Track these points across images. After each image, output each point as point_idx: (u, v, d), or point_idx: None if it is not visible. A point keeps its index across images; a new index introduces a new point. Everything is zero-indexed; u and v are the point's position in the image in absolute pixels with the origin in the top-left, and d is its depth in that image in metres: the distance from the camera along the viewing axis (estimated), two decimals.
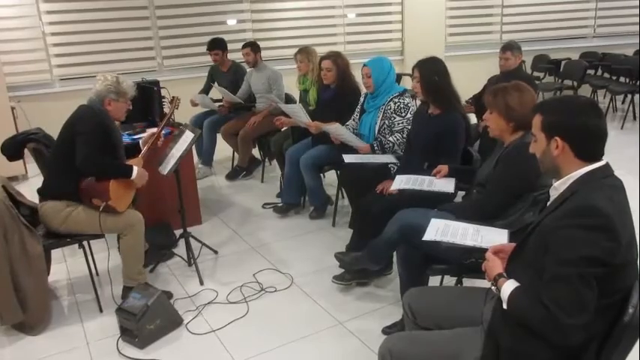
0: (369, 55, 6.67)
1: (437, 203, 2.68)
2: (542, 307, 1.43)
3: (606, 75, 7.55)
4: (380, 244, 2.61)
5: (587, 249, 1.40)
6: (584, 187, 1.51)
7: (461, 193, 2.87)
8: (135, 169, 2.94)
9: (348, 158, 3.25)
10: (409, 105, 3.45)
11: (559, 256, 1.44)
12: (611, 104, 7.19)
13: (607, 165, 1.56)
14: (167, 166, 3.13)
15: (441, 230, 2.07)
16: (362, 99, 3.73)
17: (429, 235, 2.04)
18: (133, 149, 3.32)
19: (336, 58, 4.00)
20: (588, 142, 1.55)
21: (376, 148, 3.45)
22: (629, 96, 6.87)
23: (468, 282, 2.38)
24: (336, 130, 3.56)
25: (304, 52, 4.59)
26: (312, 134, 4.04)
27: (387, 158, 3.29)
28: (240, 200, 4.69)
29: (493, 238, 2.01)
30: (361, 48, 7.34)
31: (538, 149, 1.63)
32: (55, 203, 2.87)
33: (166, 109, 4.22)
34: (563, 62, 7.67)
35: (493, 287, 1.66)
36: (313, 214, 4.19)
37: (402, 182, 2.71)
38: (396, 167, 3.28)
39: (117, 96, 2.95)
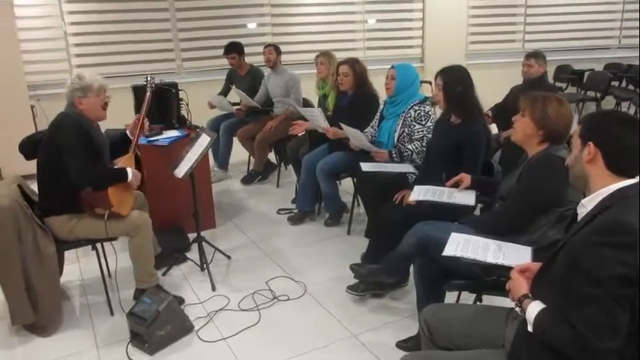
0: (389, 62, 6.58)
1: (456, 216, 2.61)
2: (571, 329, 1.36)
3: (630, 87, 7.39)
4: (397, 256, 2.55)
5: (618, 268, 1.33)
6: (615, 204, 1.44)
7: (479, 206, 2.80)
8: (129, 170, 2.89)
9: (365, 166, 3.18)
10: (429, 113, 3.38)
11: (588, 275, 1.37)
12: (635, 117, 7.01)
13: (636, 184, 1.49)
14: (183, 169, 3.09)
15: (461, 245, 2.00)
16: (381, 106, 3.67)
17: (449, 251, 1.96)
18: (124, 144, 3.14)
19: (353, 63, 3.94)
20: (622, 154, 1.50)
21: (395, 155, 3.39)
22: None
23: (487, 299, 2.29)
24: (355, 134, 3.50)
25: (326, 55, 4.56)
26: (329, 141, 3.98)
27: (405, 167, 3.22)
28: (255, 205, 4.65)
29: (516, 255, 1.94)
30: (381, 54, 7.29)
31: (572, 155, 1.62)
32: (57, 218, 2.82)
33: (184, 112, 4.22)
34: (586, 73, 7.52)
35: (517, 308, 1.59)
36: (329, 222, 4.13)
37: (420, 193, 2.63)
38: (414, 177, 3.21)
39: (83, 92, 2.79)
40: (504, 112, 4.09)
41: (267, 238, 3.96)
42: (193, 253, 3.54)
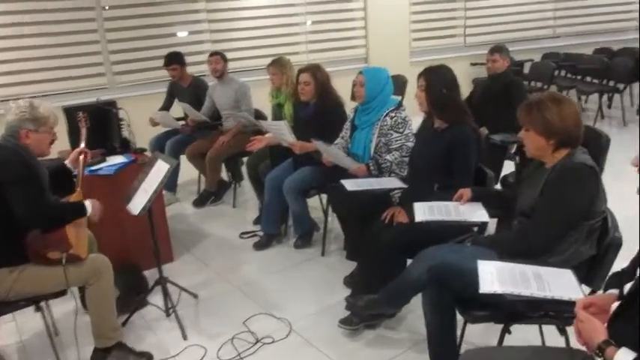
0: (333, 64, 6.41)
1: (460, 234, 2.35)
2: None
3: (569, 75, 7.51)
4: (402, 286, 2.24)
5: None
6: None
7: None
8: (87, 203, 2.46)
9: (349, 185, 2.85)
10: (407, 119, 3.11)
11: None
12: (580, 104, 7.13)
13: None
14: (138, 205, 2.65)
15: (495, 277, 1.72)
16: (352, 114, 3.36)
17: (487, 286, 1.68)
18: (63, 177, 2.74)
19: (315, 71, 3.61)
20: None
21: (372, 168, 3.09)
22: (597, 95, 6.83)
23: (516, 328, 2.02)
24: (331, 151, 3.18)
25: (277, 63, 4.18)
26: (293, 156, 3.64)
27: (393, 182, 2.92)
28: (214, 230, 4.23)
29: (561, 282, 1.70)
30: (325, 56, 6.99)
31: None
32: None
33: (125, 133, 3.73)
34: (525, 63, 7.59)
35: (598, 358, 1.32)
36: (298, 243, 3.78)
37: (424, 212, 2.33)
38: (399, 192, 2.92)
39: (35, 125, 2.37)
40: (470, 108, 3.93)
41: (233, 268, 3.56)
42: (154, 295, 3.10)
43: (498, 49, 4.22)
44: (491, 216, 2.31)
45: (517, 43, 7.84)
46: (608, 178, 2.17)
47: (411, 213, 2.50)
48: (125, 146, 3.64)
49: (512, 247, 2.01)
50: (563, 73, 7.62)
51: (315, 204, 4.02)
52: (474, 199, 2.38)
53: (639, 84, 6.82)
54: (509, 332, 1.98)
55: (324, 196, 3.79)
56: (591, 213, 1.91)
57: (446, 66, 2.71)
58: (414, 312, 2.68)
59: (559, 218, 1.91)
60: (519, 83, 4.25)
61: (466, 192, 2.38)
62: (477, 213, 2.29)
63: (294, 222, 3.79)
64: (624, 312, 1.34)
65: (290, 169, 3.69)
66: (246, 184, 4.72)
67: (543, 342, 2.33)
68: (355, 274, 3.09)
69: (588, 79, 7.18)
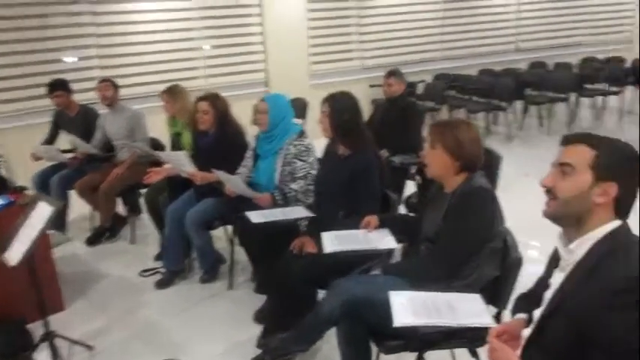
0: (233, 88, 6.33)
1: (368, 260, 2.32)
2: None
3: (459, 95, 7.94)
4: (315, 322, 2.16)
5: None
6: (614, 250, 1.24)
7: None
8: None
9: (254, 217, 2.74)
10: (310, 147, 3.07)
11: (618, 345, 1.14)
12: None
13: (626, 222, 1.31)
14: (16, 254, 2.35)
15: (409, 308, 1.69)
16: (253, 143, 3.26)
17: (401, 319, 1.64)
18: None
19: (213, 100, 3.47)
20: (634, 198, 1.31)
21: (278, 198, 3.01)
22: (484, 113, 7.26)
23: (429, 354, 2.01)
24: (232, 181, 3.05)
25: (170, 91, 3.99)
26: (194, 187, 3.47)
27: (299, 211, 2.85)
28: (110, 269, 3.91)
29: (470, 308, 1.70)
30: (224, 81, 6.89)
31: (570, 187, 1.31)
32: None
33: (2, 171, 3.37)
34: (418, 84, 7.95)
35: None
36: (205, 278, 3.59)
37: (333, 242, 2.28)
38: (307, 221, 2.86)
39: None
40: (371, 130, 3.99)
41: (133, 311, 3.30)
42: (42, 352, 2.76)
43: (393, 72, 4.34)
44: (398, 241, 2.31)
45: (410, 65, 8.20)
46: (499, 192, 2.24)
47: (319, 242, 2.45)
48: (2, 186, 3.27)
49: (419, 274, 2.00)
50: (452, 92, 8.05)
51: (220, 234, 3.85)
52: (380, 225, 2.37)
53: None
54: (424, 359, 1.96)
55: (230, 226, 3.64)
56: (491, 235, 1.95)
57: (349, 93, 2.72)
58: (329, 342, 2.60)
59: (462, 244, 1.94)
60: (416, 106, 4.38)
61: (373, 219, 2.36)
62: (384, 240, 2.28)
63: (199, 256, 3.59)
64: (536, 338, 1.35)
65: (191, 200, 3.50)
66: (146, 218, 4.44)
67: None
68: (265, 308, 2.97)
69: (475, 98, 7.63)
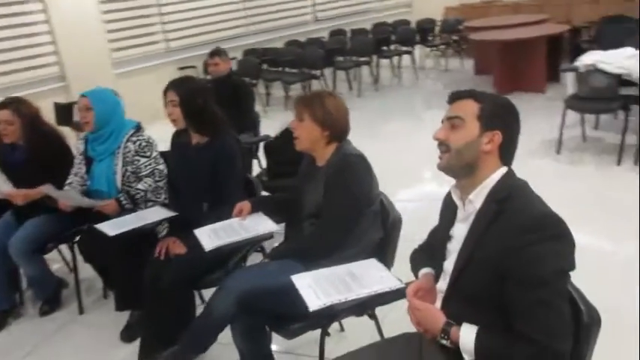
0: (25, 87, 5.56)
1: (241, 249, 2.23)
2: (532, 343, 1.22)
3: (272, 68, 7.99)
4: (208, 325, 1.99)
5: (558, 261, 1.25)
6: (512, 195, 1.33)
7: None
8: None
9: (110, 229, 2.38)
10: (151, 141, 2.79)
11: (531, 279, 1.24)
12: (286, 93, 7.58)
13: (511, 168, 1.42)
14: None
15: (317, 289, 1.63)
16: (82, 146, 2.86)
17: (314, 302, 1.57)
18: None
19: (17, 106, 2.90)
20: (514, 144, 1.42)
21: (125, 202, 2.69)
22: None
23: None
24: (63, 194, 2.64)
25: None
26: (14, 208, 2.93)
27: (158, 213, 2.57)
28: None
29: (373, 274, 1.72)
30: (12, 80, 6.00)
31: (461, 138, 1.38)
32: None
33: None
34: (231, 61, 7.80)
35: (444, 341, 1.35)
36: (45, 309, 3.08)
37: (211, 238, 2.11)
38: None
39: None
40: None
41: None
42: None
43: (217, 52, 4.18)
44: (276, 222, 2.23)
45: (217, 43, 7.97)
46: None
47: (188, 241, 2.27)
48: None
49: (312, 250, 1.97)
50: (265, 66, 8.06)
51: (53, 255, 3.33)
52: (253, 210, 2.26)
53: None
54: (329, 334, 1.95)
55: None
56: (371, 199, 2.00)
57: (191, 76, 2.52)
58: (219, 342, 2.44)
59: (347, 212, 1.95)
60: (246, 84, 4.28)
61: (245, 205, 2.25)
62: (263, 224, 2.18)
63: (34, 286, 3.08)
64: (453, 291, 1.40)
65: (12, 225, 2.95)
66: None
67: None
68: (134, 323, 2.68)
69: (287, 69, 7.76)
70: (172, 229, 2.53)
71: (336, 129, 2.00)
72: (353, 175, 1.95)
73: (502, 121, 1.39)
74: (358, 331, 2.32)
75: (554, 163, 4.32)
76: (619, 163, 4.13)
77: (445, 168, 1.43)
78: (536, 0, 8.59)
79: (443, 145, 1.41)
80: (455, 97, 1.43)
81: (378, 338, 2.09)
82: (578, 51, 5.76)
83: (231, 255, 2.37)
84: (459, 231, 1.44)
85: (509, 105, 1.43)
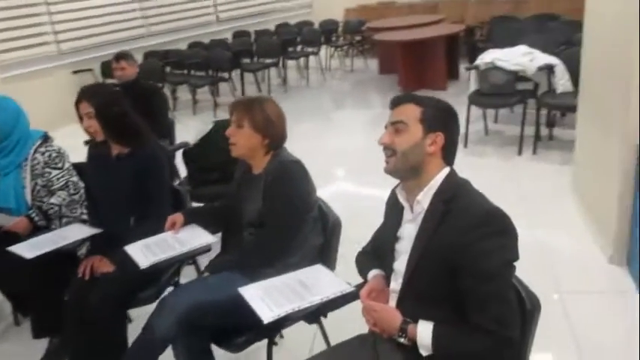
0: None
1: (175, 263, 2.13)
2: (487, 334, 1.29)
3: (176, 71, 7.71)
4: (148, 346, 1.86)
5: (504, 254, 1.33)
6: (457, 194, 1.40)
7: None
8: None
9: (27, 251, 2.13)
10: (61, 151, 2.58)
11: (481, 273, 1.31)
12: (193, 97, 7.35)
13: (453, 168, 1.48)
14: None
15: (270, 301, 1.59)
16: None
17: (268, 314, 1.52)
18: None
19: None
20: (456, 144, 1.49)
21: (37, 219, 2.47)
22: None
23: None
24: None
25: None
26: None
27: (81, 230, 2.38)
28: None
29: (323, 279, 1.72)
30: None
31: (405, 141, 1.42)
32: None
33: None
34: None
35: (402, 339, 1.38)
36: None
37: (146, 255, 1.97)
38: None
39: None
40: None
41: None
42: None
43: (123, 55, 3.95)
44: (212, 234, 2.15)
45: (114, 45, 7.58)
46: None
47: (115, 258, 2.13)
48: None
49: (253, 262, 1.91)
50: (168, 69, 7.75)
51: None
52: (186, 222, 2.16)
53: None
54: (276, 344, 1.91)
55: None
56: (310, 205, 1.99)
57: (102, 83, 2.35)
58: None
59: (290, 217, 1.92)
60: (157, 88, 4.09)
61: (177, 217, 2.14)
62: (198, 237, 2.08)
63: None
64: (408, 291, 1.43)
65: None
66: None
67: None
68: (55, 351, 2.47)
69: (193, 72, 7.51)
70: (94, 247, 2.36)
71: (276, 137, 1.97)
72: (292, 182, 1.93)
73: (443, 123, 1.45)
74: (297, 338, 2.31)
75: (461, 156, 4.54)
76: (520, 153, 4.46)
77: (392, 171, 1.46)
78: (430, 1, 9.02)
79: (389, 150, 1.45)
80: (396, 103, 1.48)
81: (318, 342, 2.08)
82: (475, 50, 6.16)
83: (163, 271, 2.26)
84: (408, 231, 1.47)
85: (448, 108, 1.49)
